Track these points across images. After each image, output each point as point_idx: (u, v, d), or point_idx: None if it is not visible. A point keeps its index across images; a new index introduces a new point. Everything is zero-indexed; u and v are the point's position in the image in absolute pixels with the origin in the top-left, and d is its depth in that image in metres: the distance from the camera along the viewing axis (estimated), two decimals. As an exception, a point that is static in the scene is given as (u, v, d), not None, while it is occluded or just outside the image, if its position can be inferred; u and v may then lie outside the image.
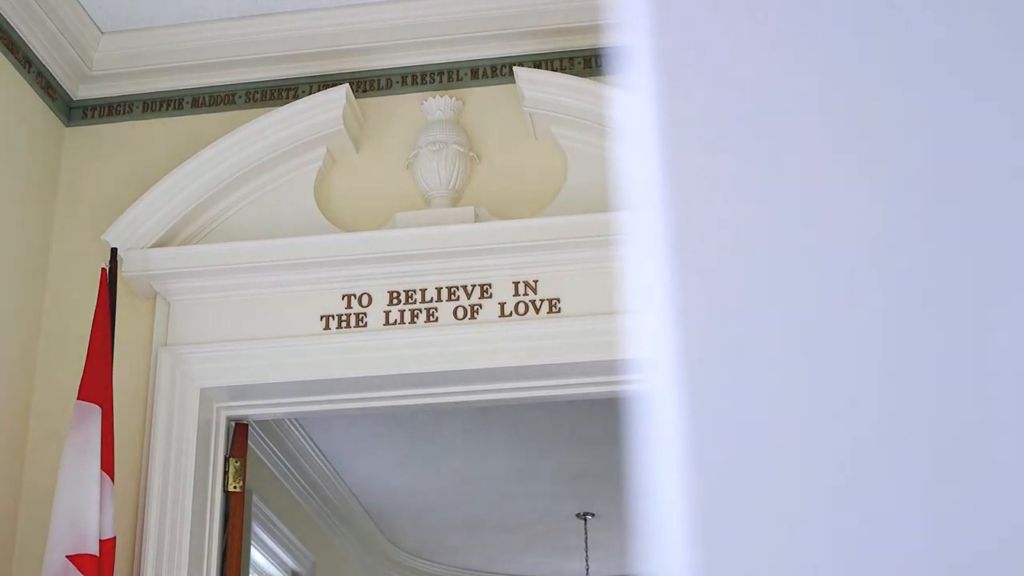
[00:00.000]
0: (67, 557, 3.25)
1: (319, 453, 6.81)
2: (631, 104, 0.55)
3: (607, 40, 3.96)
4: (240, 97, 4.20)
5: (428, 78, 4.14)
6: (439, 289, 3.78)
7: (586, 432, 6.56)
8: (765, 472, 0.49)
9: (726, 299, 0.51)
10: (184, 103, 4.22)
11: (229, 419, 3.93)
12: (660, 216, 0.51)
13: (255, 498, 5.12)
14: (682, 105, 0.50)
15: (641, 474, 0.56)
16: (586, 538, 8.11)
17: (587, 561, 8.26)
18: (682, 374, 0.49)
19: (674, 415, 0.49)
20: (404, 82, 4.14)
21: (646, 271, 0.54)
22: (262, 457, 5.90)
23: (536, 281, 3.75)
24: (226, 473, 3.88)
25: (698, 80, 0.50)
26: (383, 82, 4.15)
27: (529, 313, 3.73)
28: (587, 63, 4.05)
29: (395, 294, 3.80)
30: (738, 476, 0.48)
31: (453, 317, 3.75)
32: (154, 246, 3.89)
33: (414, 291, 3.79)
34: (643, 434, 0.56)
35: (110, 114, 4.23)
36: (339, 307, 3.80)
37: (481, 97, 4.09)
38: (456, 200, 3.92)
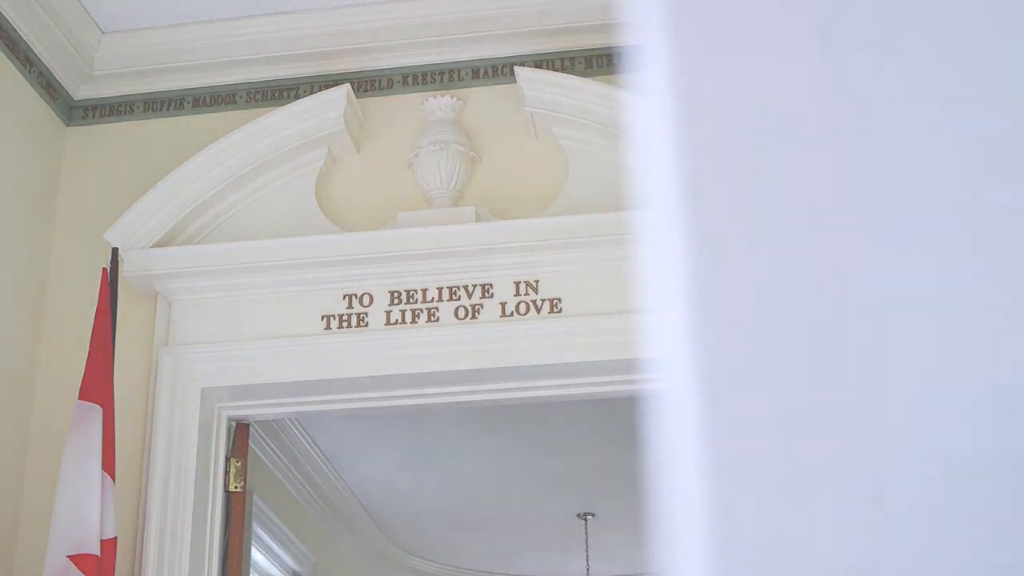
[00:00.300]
0: (68, 557, 3.25)
1: (319, 453, 6.81)
2: (645, 104, 0.55)
3: (609, 40, 3.97)
4: (241, 97, 4.20)
5: (429, 78, 4.14)
6: (440, 289, 3.78)
7: (586, 432, 6.56)
8: (779, 470, 0.49)
9: (742, 297, 0.51)
10: (185, 103, 4.22)
11: (230, 419, 3.93)
12: (676, 216, 0.51)
13: (256, 498, 5.12)
14: (699, 104, 0.50)
15: (654, 473, 0.56)
16: (586, 538, 8.11)
17: (587, 561, 8.26)
18: (699, 373, 0.49)
19: (690, 413, 0.49)
20: (405, 82, 4.15)
21: (661, 270, 0.54)
22: (263, 457, 5.90)
23: (537, 281, 3.75)
24: (227, 473, 3.87)
25: (714, 79, 0.50)
26: (384, 82, 4.15)
27: (530, 313, 3.73)
28: (588, 63, 4.05)
29: (396, 294, 3.80)
30: (753, 473, 0.49)
31: (454, 317, 3.75)
32: (155, 246, 3.89)
33: (415, 291, 3.79)
34: (657, 433, 0.56)
35: (111, 114, 4.23)
36: (340, 307, 3.80)
37: (482, 97, 4.09)
38: (457, 200, 3.93)
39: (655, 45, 0.51)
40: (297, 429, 6.40)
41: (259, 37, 4.19)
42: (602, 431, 6.41)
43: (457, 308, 3.76)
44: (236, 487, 3.88)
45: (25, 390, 3.85)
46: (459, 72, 4.14)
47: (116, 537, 3.35)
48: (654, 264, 0.59)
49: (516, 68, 3.98)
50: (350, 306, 3.80)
